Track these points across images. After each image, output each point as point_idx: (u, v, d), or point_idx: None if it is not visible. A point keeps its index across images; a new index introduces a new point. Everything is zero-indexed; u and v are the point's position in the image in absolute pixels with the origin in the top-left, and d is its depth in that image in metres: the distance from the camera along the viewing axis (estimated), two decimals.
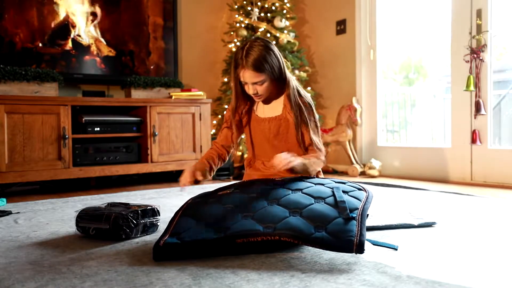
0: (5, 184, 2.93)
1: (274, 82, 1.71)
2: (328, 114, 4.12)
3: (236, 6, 3.97)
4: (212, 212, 1.45)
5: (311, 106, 1.76)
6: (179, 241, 1.32)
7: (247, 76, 1.66)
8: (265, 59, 1.65)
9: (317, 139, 1.73)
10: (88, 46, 3.49)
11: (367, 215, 1.46)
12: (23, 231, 1.75)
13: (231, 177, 3.70)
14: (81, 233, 1.64)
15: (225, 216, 1.40)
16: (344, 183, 1.59)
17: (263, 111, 1.81)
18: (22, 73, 2.98)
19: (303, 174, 1.62)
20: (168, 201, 2.46)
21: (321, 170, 1.85)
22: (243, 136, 1.97)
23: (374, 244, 1.44)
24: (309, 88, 4.03)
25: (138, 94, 3.51)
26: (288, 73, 1.76)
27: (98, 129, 3.17)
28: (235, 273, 1.18)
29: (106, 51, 3.57)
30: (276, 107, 1.78)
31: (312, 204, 1.40)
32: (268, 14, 3.91)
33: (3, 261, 1.34)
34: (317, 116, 1.79)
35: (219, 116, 3.93)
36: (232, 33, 4.02)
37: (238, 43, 3.91)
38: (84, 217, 1.61)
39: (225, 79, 3.95)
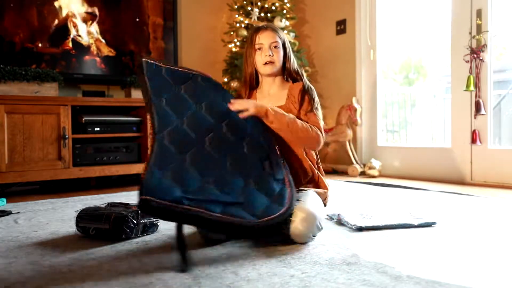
0: (5, 184, 2.93)
1: (283, 61, 1.79)
2: (328, 114, 4.12)
3: (236, 6, 3.97)
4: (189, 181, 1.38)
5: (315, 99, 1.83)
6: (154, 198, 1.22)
7: (265, 35, 1.75)
8: (281, 32, 1.81)
9: (317, 121, 1.73)
10: (88, 46, 3.49)
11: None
12: (23, 231, 1.75)
13: None
14: (81, 233, 1.64)
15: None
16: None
17: (264, 101, 1.80)
18: (22, 73, 2.98)
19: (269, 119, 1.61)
20: None
21: (322, 170, 1.83)
22: None
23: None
24: None
25: (138, 94, 3.51)
26: (300, 69, 1.85)
27: (98, 129, 3.16)
28: (235, 273, 1.18)
29: (106, 51, 3.57)
30: (279, 98, 1.80)
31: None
32: (268, 14, 3.91)
33: (3, 261, 1.34)
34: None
35: None
36: (232, 33, 4.02)
37: (238, 43, 3.92)
38: (84, 217, 1.61)
39: (225, 79, 3.95)
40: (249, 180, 1.45)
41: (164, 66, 1.66)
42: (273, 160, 1.55)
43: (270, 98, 1.80)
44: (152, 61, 1.65)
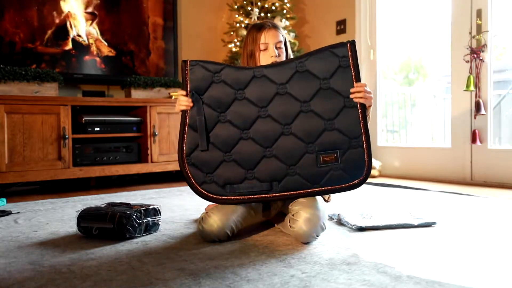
0: (5, 184, 2.93)
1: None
2: None
3: (236, 6, 3.97)
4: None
5: None
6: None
7: (271, 34, 1.72)
8: (281, 29, 1.78)
9: None
10: (88, 46, 3.49)
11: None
12: (23, 231, 1.76)
13: None
14: (82, 233, 1.64)
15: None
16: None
17: None
18: (22, 73, 2.98)
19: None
20: (168, 201, 2.46)
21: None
22: None
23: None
24: None
25: (138, 94, 3.51)
26: None
27: (98, 129, 3.17)
28: (235, 273, 1.18)
29: (106, 51, 3.57)
30: None
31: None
32: (268, 14, 3.91)
33: (3, 261, 1.34)
34: None
35: None
36: (232, 33, 4.03)
37: (238, 43, 3.92)
38: (86, 217, 1.61)
39: None
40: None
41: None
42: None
43: None
44: None
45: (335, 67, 1.56)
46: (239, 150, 1.55)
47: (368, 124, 1.65)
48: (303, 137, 1.53)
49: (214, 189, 1.54)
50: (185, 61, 1.59)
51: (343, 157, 1.54)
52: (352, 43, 1.57)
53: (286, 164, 1.53)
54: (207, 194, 1.54)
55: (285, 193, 1.53)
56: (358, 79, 1.56)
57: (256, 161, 1.54)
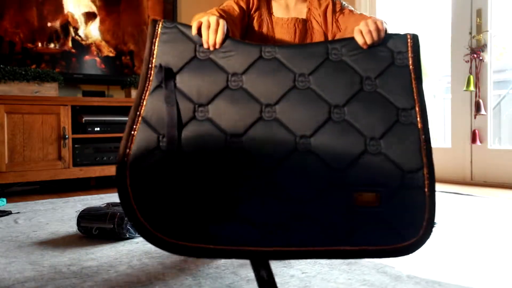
0: (5, 184, 2.93)
1: None
2: None
3: None
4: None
5: None
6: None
7: None
8: None
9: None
10: (88, 46, 3.49)
11: None
12: (23, 231, 1.75)
13: None
14: (82, 233, 1.64)
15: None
16: None
17: (282, 11, 1.51)
18: (22, 73, 2.98)
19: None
20: None
21: None
22: None
23: None
24: None
25: None
26: None
27: (98, 129, 3.16)
28: (235, 273, 1.18)
29: (106, 51, 3.57)
30: (299, 9, 1.51)
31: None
32: None
33: (3, 261, 1.34)
34: None
35: None
36: None
37: None
38: (86, 217, 1.61)
39: None
40: None
41: None
42: None
43: (285, 9, 1.51)
44: None
45: (387, 63, 1.10)
46: (221, 170, 0.95)
47: None
48: (329, 160, 0.96)
49: (177, 230, 0.92)
50: (155, 21, 1.08)
51: (391, 200, 0.95)
52: (415, 36, 1.17)
53: (297, 200, 0.93)
54: (163, 238, 0.91)
55: (289, 248, 0.91)
56: (419, 85, 1.09)
57: (248, 192, 0.94)
